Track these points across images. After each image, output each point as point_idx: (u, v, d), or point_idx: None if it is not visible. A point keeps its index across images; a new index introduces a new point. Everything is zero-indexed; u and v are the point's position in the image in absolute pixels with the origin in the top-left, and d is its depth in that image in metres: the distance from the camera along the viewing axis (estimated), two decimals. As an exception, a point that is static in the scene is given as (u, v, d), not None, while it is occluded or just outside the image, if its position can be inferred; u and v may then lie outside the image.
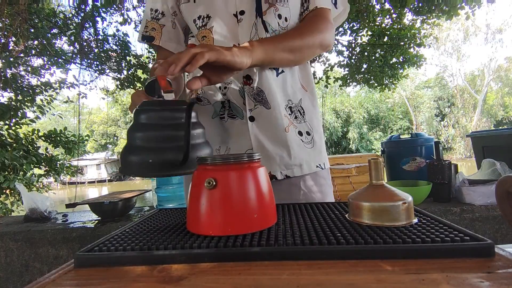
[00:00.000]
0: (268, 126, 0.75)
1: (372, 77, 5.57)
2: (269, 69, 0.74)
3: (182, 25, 0.81)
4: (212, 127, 0.77)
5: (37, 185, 4.09)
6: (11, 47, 4.10)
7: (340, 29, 5.19)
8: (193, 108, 0.51)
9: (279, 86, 0.76)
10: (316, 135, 0.80)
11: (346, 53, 5.67)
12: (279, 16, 0.74)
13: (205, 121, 0.77)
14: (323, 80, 6.13)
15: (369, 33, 5.26)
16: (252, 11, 0.72)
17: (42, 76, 4.61)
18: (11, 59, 3.80)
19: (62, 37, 5.15)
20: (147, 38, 0.80)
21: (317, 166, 0.79)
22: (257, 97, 0.74)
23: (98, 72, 5.40)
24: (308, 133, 0.79)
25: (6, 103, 3.85)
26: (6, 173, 3.38)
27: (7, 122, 3.81)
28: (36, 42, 4.69)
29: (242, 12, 0.72)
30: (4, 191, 3.60)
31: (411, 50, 5.18)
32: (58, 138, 4.18)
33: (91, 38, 5.17)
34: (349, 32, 5.33)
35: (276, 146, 0.75)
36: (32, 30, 4.44)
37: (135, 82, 5.41)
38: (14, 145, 3.59)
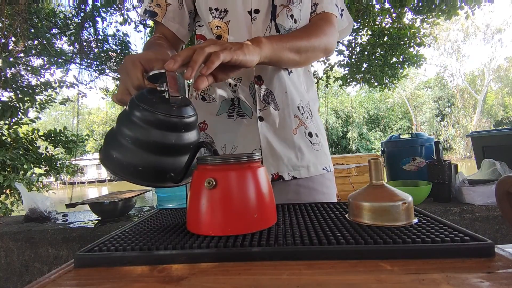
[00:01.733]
0: (277, 127, 0.75)
1: (372, 77, 5.57)
2: (282, 69, 0.74)
3: (190, 8, 0.79)
4: (218, 124, 0.76)
5: (37, 185, 4.07)
6: (11, 47, 4.10)
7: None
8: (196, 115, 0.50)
9: (291, 86, 0.75)
10: (322, 138, 0.82)
11: (346, 53, 5.67)
12: (291, 17, 0.73)
13: (210, 119, 0.77)
14: (323, 80, 6.13)
15: (369, 32, 5.26)
16: (267, 13, 0.72)
17: (42, 76, 4.60)
18: (11, 59, 3.79)
19: (62, 37, 5.15)
20: (150, 12, 0.77)
21: (323, 169, 0.79)
22: (266, 98, 0.74)
23: (98, 72, 5.40)
24: (316, 135, 0.80)
25: (6, 101, 3.85)
26: (6, 172, 3.37)
27: (7, 121, 3.81)
28: (36, 42, 4.69)
29: (256, 11, 0.72)
30: (4, 191, 3.60)
31: (411, 49, 5.19)
32: (58, 138, 4.17)
33: (91, 38, 5.17)
34: (349, 31, 5.33)
35: (285, 147, 0.75)
36: (32, 30, 4.44)
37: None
38: (14, 144, 3.58)
